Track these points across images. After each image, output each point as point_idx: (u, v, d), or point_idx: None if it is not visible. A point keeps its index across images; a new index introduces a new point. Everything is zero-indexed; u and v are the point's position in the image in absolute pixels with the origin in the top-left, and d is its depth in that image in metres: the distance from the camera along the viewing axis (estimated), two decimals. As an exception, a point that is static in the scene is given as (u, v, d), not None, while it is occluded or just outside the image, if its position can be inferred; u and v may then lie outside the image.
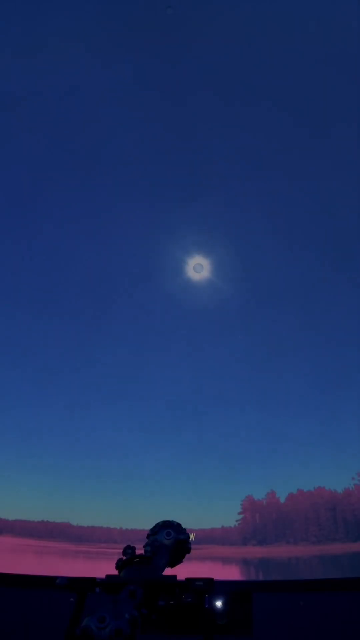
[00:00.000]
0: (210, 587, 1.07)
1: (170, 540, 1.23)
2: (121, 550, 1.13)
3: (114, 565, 1.10)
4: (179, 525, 1.29)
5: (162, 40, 25.73)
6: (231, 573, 39.20)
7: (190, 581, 1.07)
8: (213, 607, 2.27)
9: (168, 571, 1.14)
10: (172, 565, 1.25)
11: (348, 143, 30.06)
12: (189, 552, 1.29)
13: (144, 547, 1.15)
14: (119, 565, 1.09)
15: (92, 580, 1.13)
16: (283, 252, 43.66)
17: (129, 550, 1.11)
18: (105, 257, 47.69)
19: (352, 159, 31.10)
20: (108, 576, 1.11)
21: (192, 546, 1.30)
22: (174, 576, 1.06)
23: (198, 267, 45.59)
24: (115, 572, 1.08)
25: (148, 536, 1.26)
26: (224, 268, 44.60)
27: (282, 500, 55.30)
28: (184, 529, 1.28)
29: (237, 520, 56.92)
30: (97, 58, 28.10)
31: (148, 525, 1.30)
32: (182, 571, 1.18)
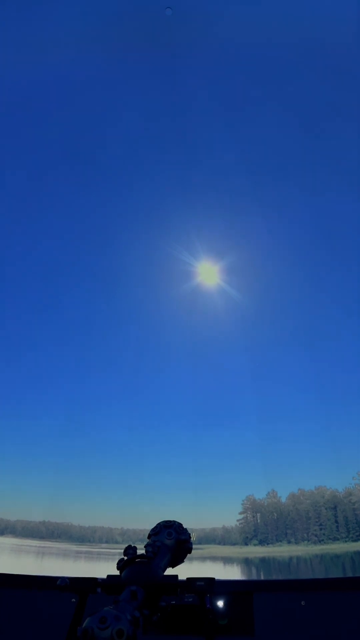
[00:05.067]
0: (212, 587, 1.07)
1: (172, 540, 1.22)
2: (122, 551, 1.12)
3: (115, 566, 1.10)
4: (180, 525, 1.29)
5: (162, 41, 25.70)
6: (232, 573, 39.26)
7: (191, 581, 1.07)
8: (214, 607, 2.26)
9: (169, 571, 1.14)
10: (173, 565, 1.25)
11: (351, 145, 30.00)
12: (190, 552, 1.29)
13: (145, 547, 1.15)
14: (120, 565, 1.09)
15: (93, 581, 1.13)
16: (285, 257, 43.67)
17: (130, 550, 1.11)
18: (108, 261, 47.63)
19: (355, 163, 31.04)
20: (109, 576, 1.11)
21: (193, 546, 1.30)
22: (175, 576, 1.06)
23: (207, 274, 45.55)
24: (117, 573, 1.08)
25: (149, 536, 1.26)
26: (233, 275, 44.59)
27: (283, 499, 55.51)
28: (185, 529, 1.28)
29: (238, 520, 57.08)
30: (97, 60, 28.06)
31: (149, 525, 1.30)
32: (183, 571, 1.18)
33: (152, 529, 1.28)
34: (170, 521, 1.29)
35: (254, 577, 35.92)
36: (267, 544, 52.53)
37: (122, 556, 1.10)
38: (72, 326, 55.46)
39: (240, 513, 56.85)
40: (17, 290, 54.16)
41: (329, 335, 53.89)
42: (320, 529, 50.98)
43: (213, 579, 1.07)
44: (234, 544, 55.08)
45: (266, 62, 27.98)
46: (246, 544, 53.82)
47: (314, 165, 34.81)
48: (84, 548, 55.20)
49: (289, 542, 51.71)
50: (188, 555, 1.29)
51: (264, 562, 45.70)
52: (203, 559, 45.23)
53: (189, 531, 1.29)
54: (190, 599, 2.15)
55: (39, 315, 56.15)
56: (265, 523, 54.28)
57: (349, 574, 36.37)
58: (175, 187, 38.88)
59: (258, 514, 55.84)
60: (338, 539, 49.33)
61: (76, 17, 23.59)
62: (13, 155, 35.19)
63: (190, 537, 1.27)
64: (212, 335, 55.67)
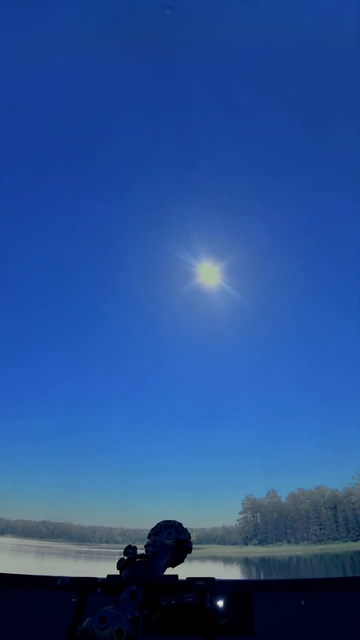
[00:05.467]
0: (212, 586, 1.07)
1: (172, 540, 1.22)
2: (122, 550, 1.12)
3: (115, 565, 1.10)
4: (180, 525, 1.29)
5: (162, 41, 25.67)
6: (232, 572, 39.27)
7: (191, 581, 1.07)
8: (214, 607, 2.26)
9: (169, 571, 1.14)
10: (173, 565, 1.25)
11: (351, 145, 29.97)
12: (190, 551, 1.29)
13: (145, 547, 1.15)
14: (120, 565, 1.09)
15: (93, 581, 1.13)
16: (285, 257, 43.68)
17: (130, 550, 1.11)
18: (108, 261, 47.63)
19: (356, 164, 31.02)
20: (109, 576, 1.11)
21: (193, 546, 1.30)
22: (175, 576, 1.06)
23: (207, 274, 45.58)
24: (117, 572, 1.08)
25: (149, 536, 1.26)
26: (234, 275, 44.59)
27: (283, 499, 55.51)
28: (185, 529, 1.28)
29: (238, 520, 57.08)
30: (97, 60, 28.03)
31: (149, 525, 1.30)
32: (183, 571, 1.18)
33: (152, 529, 1.28)
34: (170, 521, 1.29)
35: (254, 577, 35.91)
36: (267, 543, 52.52)
37: (122, 556, 1.10)
38: (72, 326, 55.51)
39: (240, 513, 56.86)
40: (17, 289, 54.20)
41: (329, 335, 53.93)
42: (320, 529, 50.96)
43: (213, 578, 1.07)
44: (234, 544, 55.06)
45: (266, 62, 27.97)
46: (246, 544, 53.80)
47: (313, 165, 34.82)
48: (84, 548, 55.17)
49: (289, 542, 51.69)
50: (188, 555, 1.29)
51: (264, 562, 45.70)
52: (203, 558, 45.21)
53: (189, 531, 1.29)
54: (190, 599, 2.16)
55: (39, 315, 56.20)
56: (265, 523, 54.27)
57: (349, 574, 36.37)
58: (175, 187, 38.89)
59: (258, 514, 55.82)
60: (338, 539, 49.31)
61: (76, 17, 23.58)
62: (13, 155, 35.22)
63: (190, 537, 1.27)
64: (213, 335, 55.69)
